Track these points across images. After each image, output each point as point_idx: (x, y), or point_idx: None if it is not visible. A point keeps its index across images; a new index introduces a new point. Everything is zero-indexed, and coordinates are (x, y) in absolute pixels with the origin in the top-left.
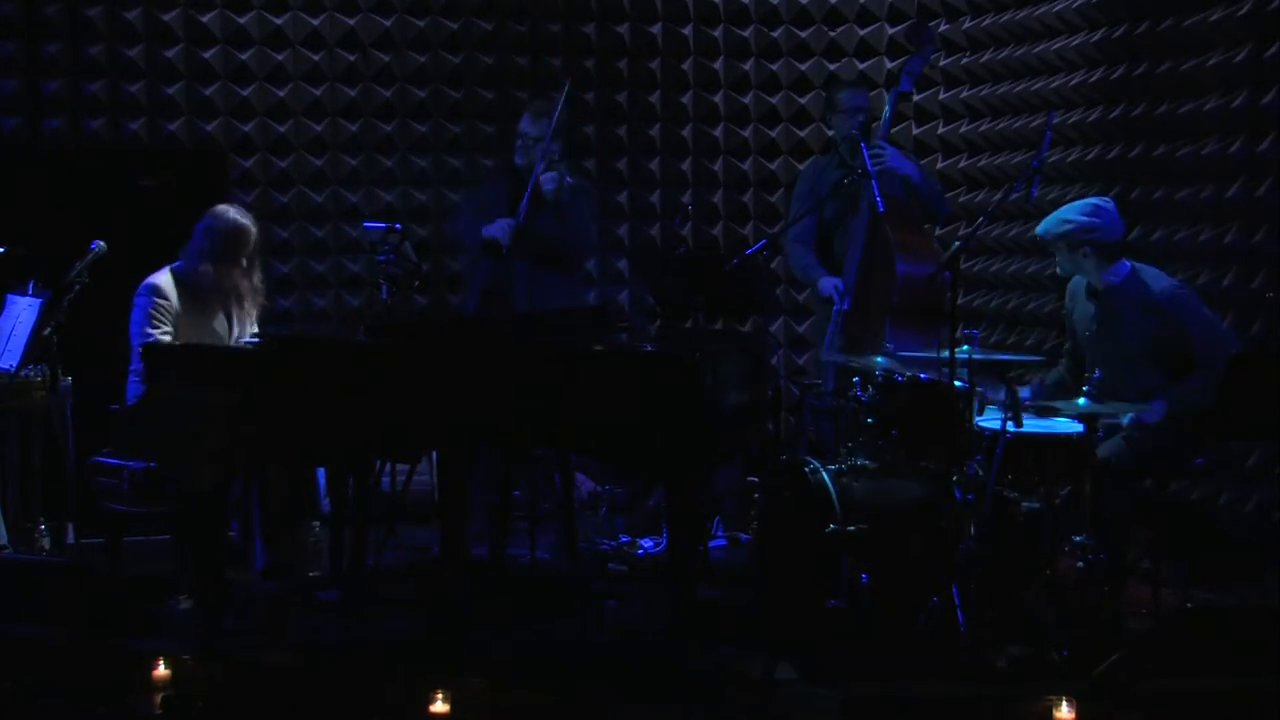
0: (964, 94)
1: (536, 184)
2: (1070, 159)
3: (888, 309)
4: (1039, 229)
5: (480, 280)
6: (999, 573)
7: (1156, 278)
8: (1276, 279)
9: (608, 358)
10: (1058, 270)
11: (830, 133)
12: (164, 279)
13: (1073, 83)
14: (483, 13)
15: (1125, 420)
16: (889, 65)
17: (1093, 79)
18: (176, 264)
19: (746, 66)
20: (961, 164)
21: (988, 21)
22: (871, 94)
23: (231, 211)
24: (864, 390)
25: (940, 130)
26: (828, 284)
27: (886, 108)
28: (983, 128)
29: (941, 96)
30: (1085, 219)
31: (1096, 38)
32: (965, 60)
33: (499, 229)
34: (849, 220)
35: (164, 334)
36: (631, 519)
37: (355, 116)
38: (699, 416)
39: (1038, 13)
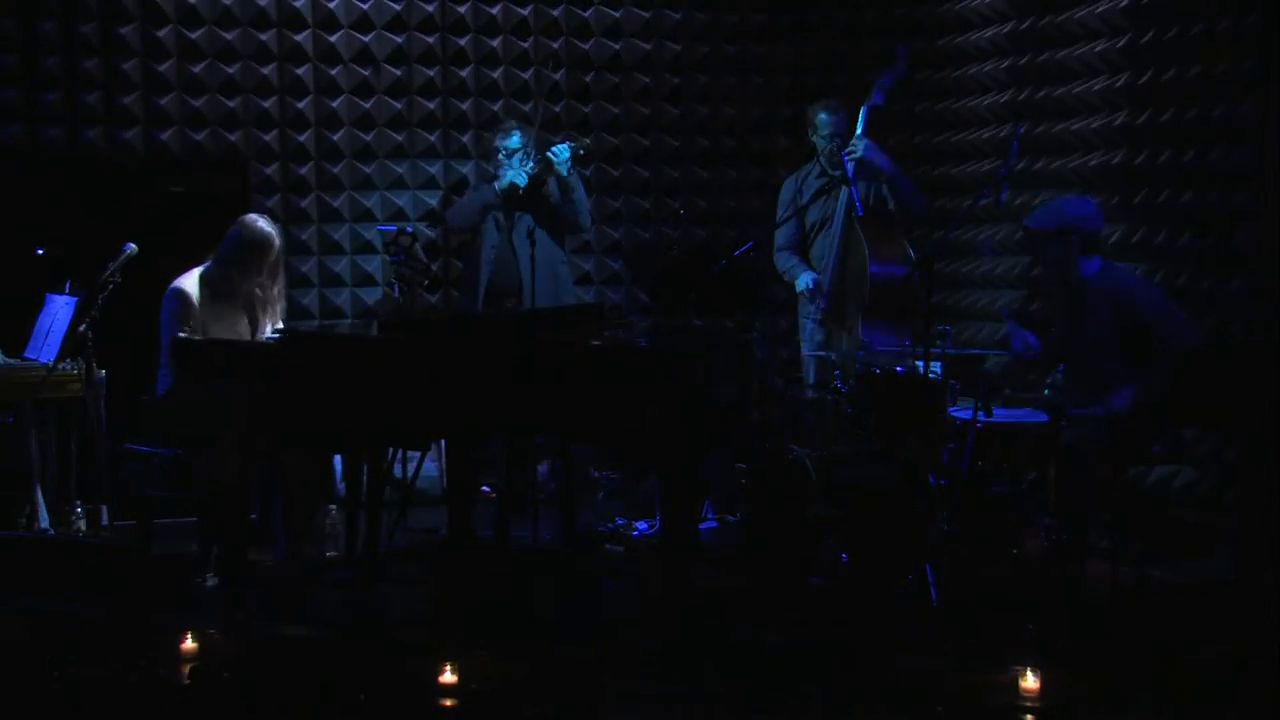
0: (937, 106)
1: (547, 158)
2: (1036, 166)
3: (862, 307)
4: (1028, 221)
5: (486, 275)
6: (969, 552)
7: (1125, 272)
8: (1224, 278)
9: (605, 352)
10: (1040, 270)
11: (812, 141)
12: (189, 282)
13: (1039, 95)
14: (488, 31)
15: (1097, 411)
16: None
17: (1056, 92)
18: (206, 266)
19: (733, 80)
20: (934, 171)
21: (959, 39)
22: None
23: (260, 222)
24: (843, 382)
25: (914, 140)
26: (805, 280)
27: (860, 120)
28: (954, 138)
29: (917, 109)
30: (1075, 209)
31: (1060, 54)
32: (938, 75)
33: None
34: (829, 224)
35: (187, 334)
36: (627, 503)
37: (369, 127)
38: (690, 407)
39: (1004, 30)
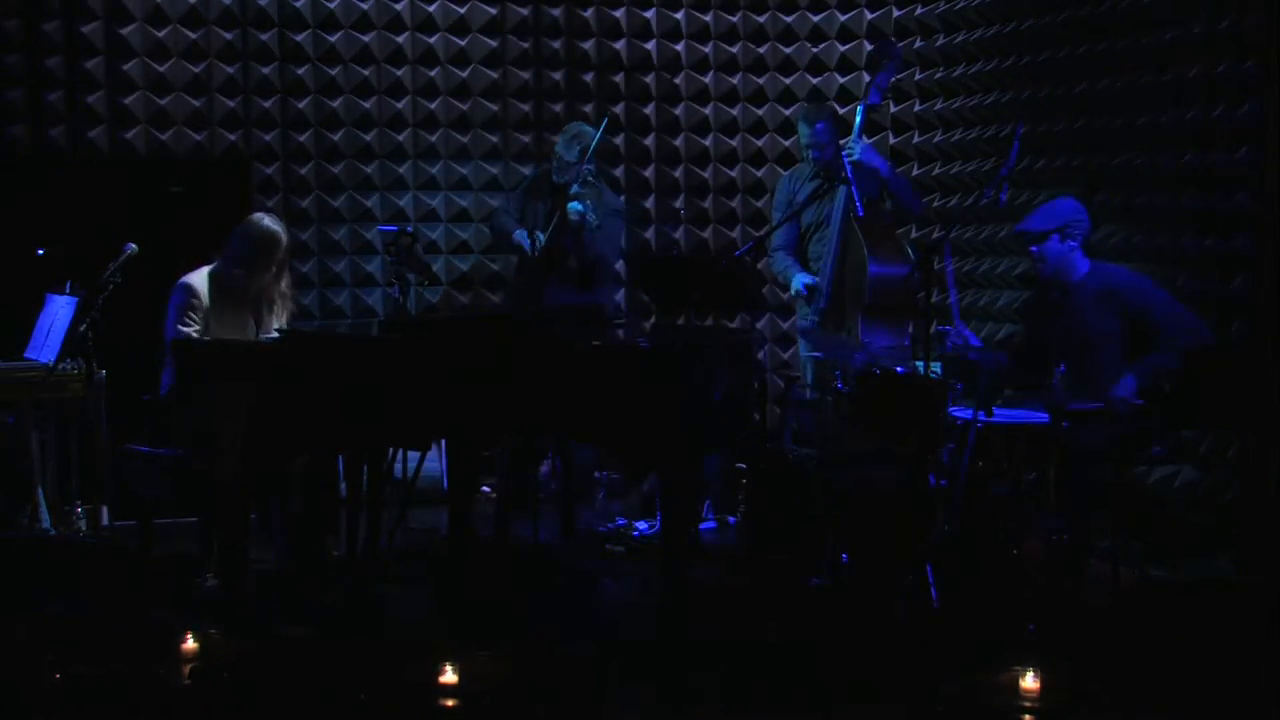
0: (938, 106)
1: (563, 209)
2: (1037, 166)
3: (861, 308)
4: (1025, 224)
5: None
6: (970, 552)
7: (1115, 269)
8: (1225, 279)
9: (606, 352)
10: (1037, 270)
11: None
12: (198, 278)
13: (1040, 95)
14: (488, 31)
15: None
16: (867, 79)
17: (1057, 93)
18: (213, 265)
19: (735, 80)
20: (935, 171)
21: (960, 39)
22: (848, 107)
23: (266, 220)
24: (843, 382)
25: (915, 140)
26: (799, 280)
27: (858, 119)
28: (955, 138)
29: (917, 109)
30: (1074, 211)
31: (1062, 54)
32: (939, 75)
33: (522, 237)
34: (824, 226)
35: (194, 330)
36: (627, 503)
37: (369, 127)
38: (690, 407)
39: (1006, 30)
